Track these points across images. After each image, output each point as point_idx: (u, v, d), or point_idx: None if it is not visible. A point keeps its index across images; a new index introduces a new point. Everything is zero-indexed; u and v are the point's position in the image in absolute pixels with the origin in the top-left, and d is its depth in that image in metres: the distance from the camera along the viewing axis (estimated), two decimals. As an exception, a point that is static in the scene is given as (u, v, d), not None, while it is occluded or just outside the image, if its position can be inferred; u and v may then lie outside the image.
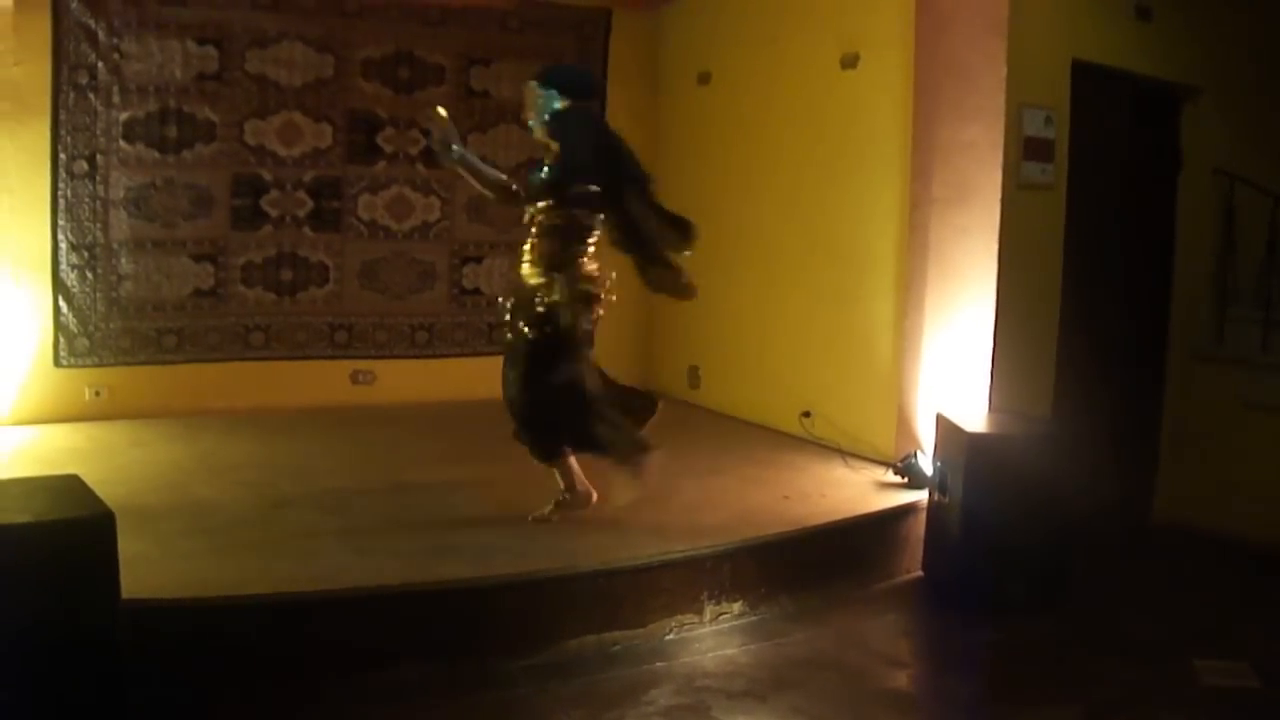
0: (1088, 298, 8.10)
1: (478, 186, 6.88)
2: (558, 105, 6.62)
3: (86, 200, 9.20)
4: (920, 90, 7.91)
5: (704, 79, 10.53)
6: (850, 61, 8.57)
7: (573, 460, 6.79)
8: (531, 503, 6.98)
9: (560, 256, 6.55)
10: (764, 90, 9.67)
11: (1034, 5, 7.51)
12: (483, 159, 7.20)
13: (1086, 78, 7.87)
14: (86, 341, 9.29)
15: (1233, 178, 8.74)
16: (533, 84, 6.70)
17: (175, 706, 4.93)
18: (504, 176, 6.96)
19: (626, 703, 5.35)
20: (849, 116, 8.66)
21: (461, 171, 6.79)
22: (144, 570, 5.21)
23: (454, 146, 6.70)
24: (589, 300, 6.59)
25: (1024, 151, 7.56)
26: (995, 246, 7.42)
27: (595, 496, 6.79)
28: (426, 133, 6.73)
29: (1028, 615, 6.51)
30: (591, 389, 6.64)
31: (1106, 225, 8.36)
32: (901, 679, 5.91)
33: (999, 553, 6.51)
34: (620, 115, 10.80)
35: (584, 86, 6.85)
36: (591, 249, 6.65)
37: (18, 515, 4.43)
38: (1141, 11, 8.20)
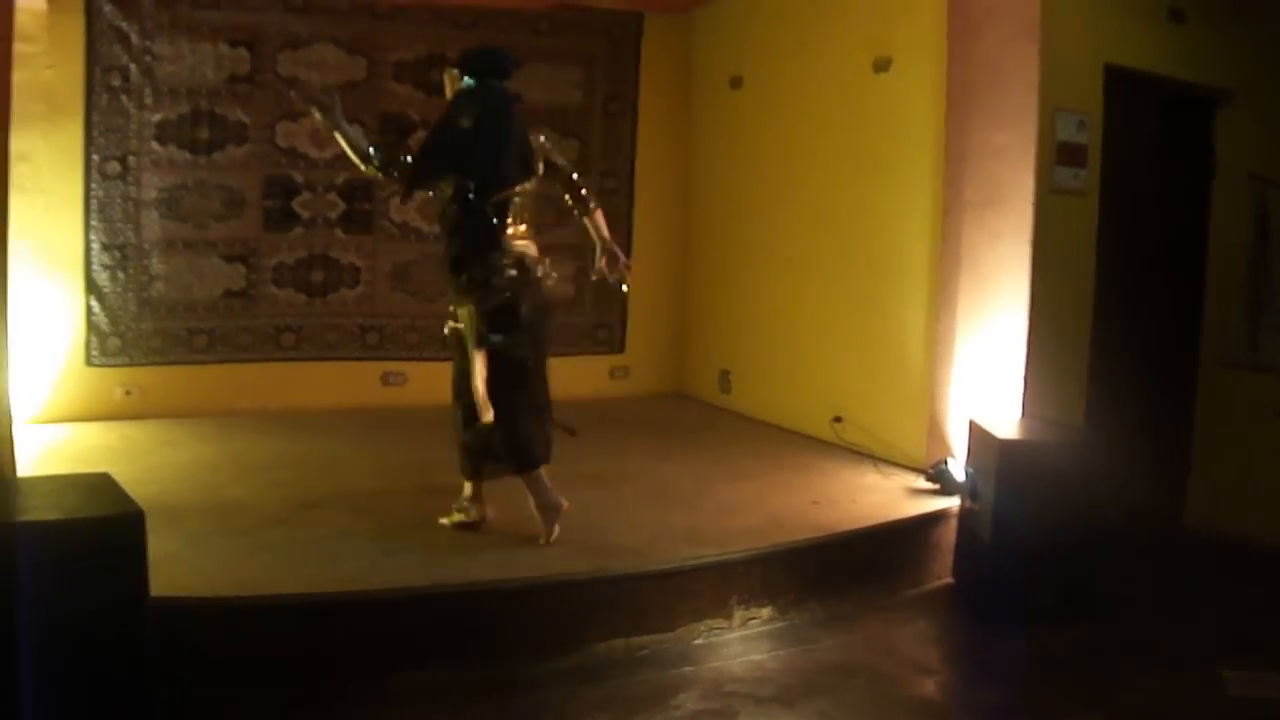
0: (1120, 303, 8.07)
1: (350, 154, 6.55)
2: (465, 86, 6.49)
3: (118, 201, 9.24)
4: (953, 94, 7.89)
5: (736, 83, 10.52)
6: (883, 65, 8.55)
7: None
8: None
9: (471, 241, 6.35)
10: (796, 94, 9.66)
11: (1066, 9, 7.48)
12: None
13: (1119, 82, 7.84)
14: (118, 341, 9.33)
15: (1266, 182, 8.68)
16: (452, 70, 6.60)
17: (203, 705, 4.94)
18: (371, 150, 6.59)
19: (654, 707, 5.34)
20: (881, 120, 8.63)
21: (338, 137, 6.50)
22: (173, 569, 5.24)
23: (335, 112, 6.42)
24: (513, 285, 6.36)
25: (1057, 156, 7.52)
26: (1028, 252, 7.39)
27: (564, 503, 6.57)
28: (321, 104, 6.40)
29: (1057, 623, 6.47)
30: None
31: (1139, 231, 8.32)
32: (930, 686, 5.88)
33: (1029, 560, 6.46)
34: (652, 119, 10.87)
35: (488, 64, 6.48)
36: (513, 228, 6.49)
37: (49, 512, 4.47)
38: (1175, 15, 8.15)
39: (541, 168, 6.53)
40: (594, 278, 6.96)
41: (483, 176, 6.24)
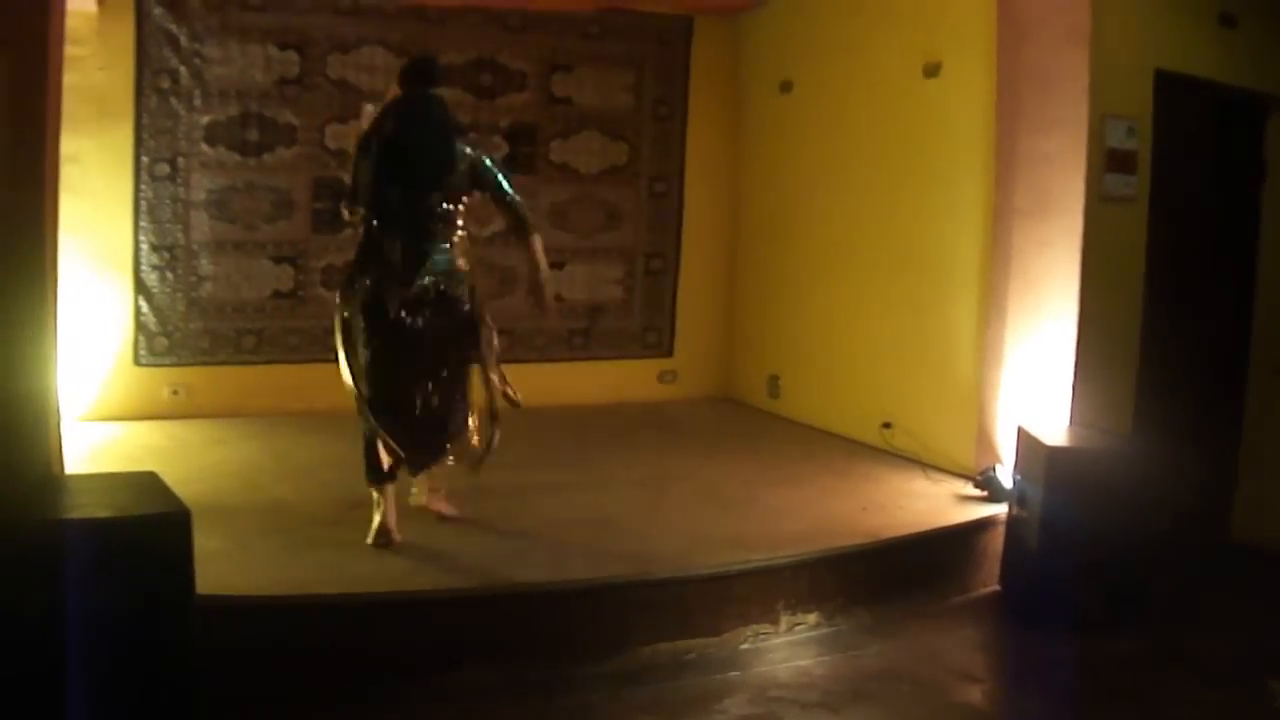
0: (1169, 311, 8.02)
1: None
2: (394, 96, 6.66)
3: (168, 202, 9.30)
4: (1002, 100, 7.85)
5: (786, 87, 10.50)
6: (932, 70, 8.53)
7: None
8: (610, 507, 7.06)
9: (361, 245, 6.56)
10: (846, 99, 9.64)
11: (1116, 14, 7.44)
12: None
13: (1169, 87, 7.78)
14: (166, 341, 9.38)
15: (1318, 189, 8.64)
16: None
17: (247, 703, 4.96)
18: None
19: (699, 711, 5.35)
20: (931, 125, 8.61)
21: None
22: (219, 567, 5.27)
23: None
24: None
25: (1106, 163, 7.48)
26: (1077, 259, 7.36)
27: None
28: None
29: (1104, 632, 6.43)
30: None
31: (1189, 237, 8.27)
32: (976, 694, 5.86)
33: (1077, 568, 6.44)
34: (702, 123, 10.88)
35: (414, 74, 6.64)
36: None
37: (97, 510, 4.51)
38: (1225, 19, 8.09)
39: (469, 181, 6.54)
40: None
41: (396, 182, 6.37)
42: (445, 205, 6.44)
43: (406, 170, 6.35)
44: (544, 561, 6.09)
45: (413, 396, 6.44)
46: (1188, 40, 7.92)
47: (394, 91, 6.69)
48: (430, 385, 6.47)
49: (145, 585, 4.33)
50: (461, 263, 6.57)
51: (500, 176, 6.65)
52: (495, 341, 6.71)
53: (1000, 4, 7.86)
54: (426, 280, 6.36)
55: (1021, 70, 7.73)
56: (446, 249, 6.47)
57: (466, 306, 6.53)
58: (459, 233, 6.57)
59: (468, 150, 6.58)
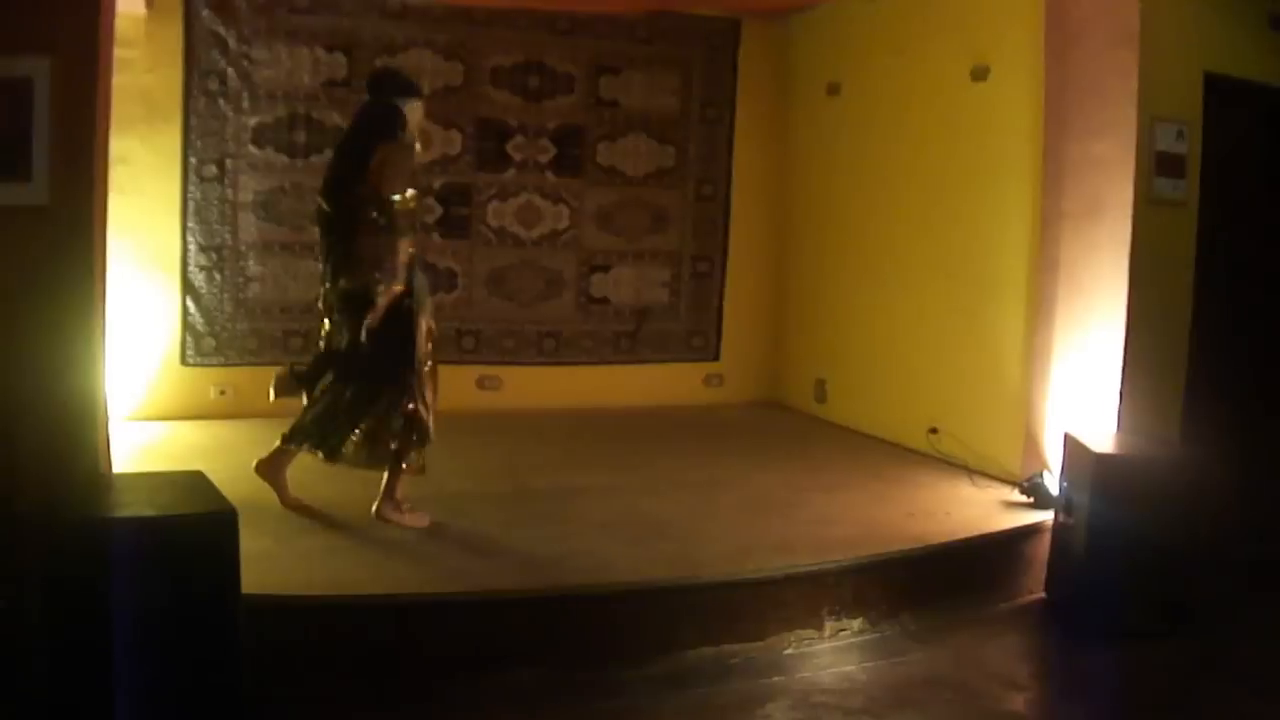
0: (1218, 315, 7.97)
1: None
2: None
3: (215, 203, 9.34)
4: (1050, 104, 7.82)
5: (833, 90, 10.48)
6: (981, 73, 8.49)
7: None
8: (657, 511, 7.06)
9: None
10: (894, 102, 9.61)
11: (1165, 17, 7.40)
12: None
13: (1219, 91, 7.74)
14: (213, 341, 9.42)
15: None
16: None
17: (292, 702, 4.98)
18: None
19: (742, 716, 5.33)
20: (979, 129, 8.58)
21: None
22: (264, 567, 5.29)
23: None
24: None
25: (1155, 167, 7.44)
26: (1126, 263, 7.32)
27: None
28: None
29: (1151, 641, 6.39)
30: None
31: (1239, 241, 8.22)
32: (1019, 702, 5.80)
33: (1124, 575, 6.40)
34: (749, 126, 10.85)
35: (369, 85, 6.83)
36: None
37: (144, 509, 4.54)
38: (1275, 22, 8.03)
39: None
40: None
41: (324, 185, 6.64)
42: (374, 213, 6.40)
43: (328, 177, 6.63)
44: (590, 564, 6.09)
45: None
46: (1238, 43, 7.88)
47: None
48: (333, 388, 6.81)
49: (191, 584, 4.36)
50: (386, 269, 6.49)
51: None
52: (423, 369, 6.93)
53: (1048, 7, 7.84)
54: (333, 286, 6.66)
55: (1070, 73, 7.70)
56: (363, 256, 6.47)
57: (376, 316, 6.56)
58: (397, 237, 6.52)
59: (381, 154, 6.49)
